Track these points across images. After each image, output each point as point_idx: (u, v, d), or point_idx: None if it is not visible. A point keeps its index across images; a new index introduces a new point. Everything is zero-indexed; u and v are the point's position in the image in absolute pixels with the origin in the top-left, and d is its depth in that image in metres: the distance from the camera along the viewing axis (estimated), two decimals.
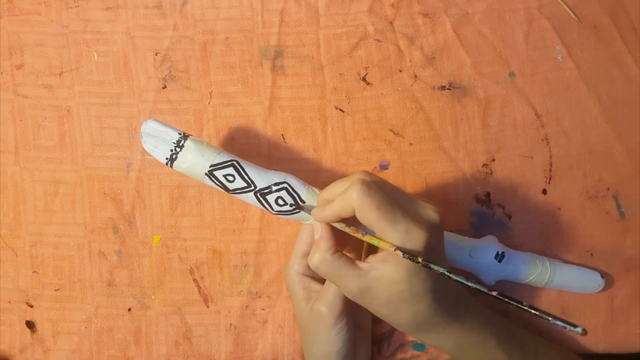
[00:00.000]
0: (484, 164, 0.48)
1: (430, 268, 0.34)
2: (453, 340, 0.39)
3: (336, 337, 0.41)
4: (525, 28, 0.48)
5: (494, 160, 0.48)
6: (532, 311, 0.32)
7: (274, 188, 0.41)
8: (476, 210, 0.48)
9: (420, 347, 0.47)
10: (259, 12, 0.48)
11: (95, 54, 0.48)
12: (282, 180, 0.41)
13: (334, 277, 0.37)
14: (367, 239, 0.37)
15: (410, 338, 0.47)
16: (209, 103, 0.48)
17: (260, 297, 0.48)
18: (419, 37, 0.48)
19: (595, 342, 0.47)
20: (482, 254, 0.44)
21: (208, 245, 0.48)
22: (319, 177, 0.48)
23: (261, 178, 0.41)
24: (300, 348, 0.47)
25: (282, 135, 0.48)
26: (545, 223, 0.47)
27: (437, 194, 0.48)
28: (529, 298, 0.47)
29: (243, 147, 0.48)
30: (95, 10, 0.48)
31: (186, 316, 0.48)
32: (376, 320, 0.46)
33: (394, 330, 0.47)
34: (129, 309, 0.48)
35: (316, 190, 0.42)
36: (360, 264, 0.36)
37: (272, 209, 0.41)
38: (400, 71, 0.48)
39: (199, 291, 0.48)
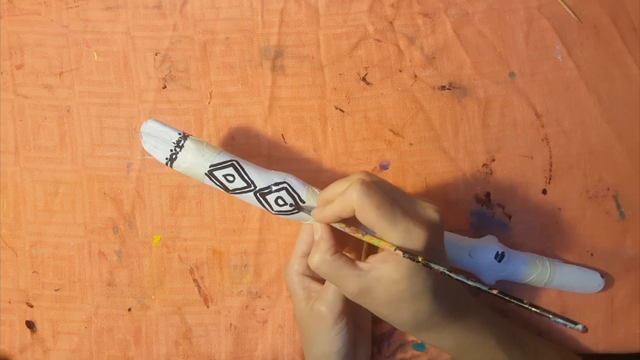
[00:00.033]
0: (484, 164, 0.48)
1: (430, 267, 0.34)
2: (453, 340, 0.39)
3: (336, 337, 0.41)
4: (525, 28, 0.48)
5: (494, 160, 0.48)
6: (533, 309, 0.32)
7: (274, 188, 0.41)
8: (476, 210, 0.48)
9: (420, 347, 0.47)
10: (259, 12, 0.48)
11: (95, 54, 0.48)
12: (282, 180, 0.41)
13: (334, 278, 0.37)
14: (367, 239, 0.37)
15: (411, 338, 0.47)
16: (209, 103, 0.48)
17: (260, 297, 0.48)
18: (419, 37, 0.48)
19: (595, 342, 0.47)
20: (482, 254, 0.44)
21: (208, 245, 0.48)
22: (319, 177, 0.48)
23: (261, 178, 0.41)
24: (300, 348, 0.47)
25: (282, 135, 0.48)
26: (545, 223, 0.47)
27: (437, 194, 0.48)
28: (529, 298, 0.47)
29: (243, 147, 0.48)
30: (95, 10, 0.48)
31: (186, 316, 0.48)
32: (376, 320, 0.46)
33: (394, 330, 0.47)
34: (129, 309, 0.48)
35: (316, 190, 0.42)
36: (360, 264, 0.36)
37: (272, 209, 0.41)
38: (400, 71, 0.48)
39: (199, 291, 0.48)
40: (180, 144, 0.41)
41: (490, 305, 0.45)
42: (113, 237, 0.48)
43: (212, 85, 0.48)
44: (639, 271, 0.47)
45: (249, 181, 0.41)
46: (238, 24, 0.48)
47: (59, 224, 0.48)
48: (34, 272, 0.48)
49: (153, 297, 0.48)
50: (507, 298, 0.32)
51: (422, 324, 0.38)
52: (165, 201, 0.48)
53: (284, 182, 0.41)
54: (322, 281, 0.42)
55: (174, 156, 0.41)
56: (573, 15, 0.48)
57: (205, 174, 0.41)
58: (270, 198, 0.41)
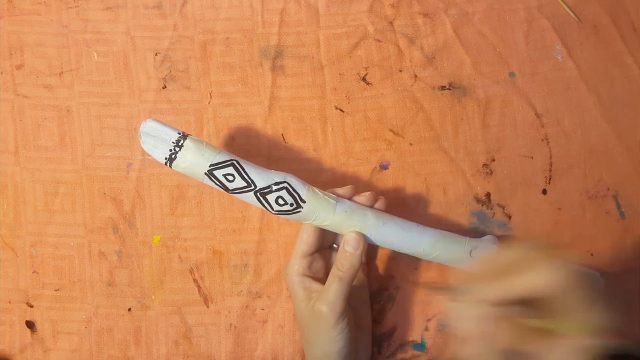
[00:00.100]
0: (484, 164, 0.48)
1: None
2: None
3: (337, 337, 0.41)
4: (525, 28, 0.48)
5: (494, 160, 0.48)
6: None
7: (274, 188, 0.41)
8: (476, 210, 0.48)
9: (420, 347, 0.47)
10: (259, 12, 0.48)
11: (95, 54, 0.48)
12: (282, 180, 0.41)
13: None
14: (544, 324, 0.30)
15: (411, 338, 0.47)
16: (209, 103, 0.48)
17: (260, 297, 0.48)
18: (419, 37, 0.48)
19: None
20: (482, 253, 0.44)
21: (208, 245, 0.48)
22: (319, 177, 0.48)
23: (261, 178, 0.41)
24: (301, 348, 0.47)
25: (282, 135, 0.48)
26: (545, 223, 0.47)
27: (437, 194, 0.48)
28: None
29: (243, 147, 0.48)
30: (95, 10, 0.48)
31: (186, 316, 0.48)
32: (376, 320, 0.46)
33: (394, 330, 0.47)
34: (129, 309, 0.48)
35: (316, 190, 0.42)
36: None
37: (272, 209, 0.41)
38: (400, 71, 0.48)
39: (199, 291, 0.48)
40: (180, 144, 0.41)
41: None
42: (113, 237, 0.48)
43: (212, 85, 0.48)
44: (639, 271, 0.47)
45: (249, 181, 0.41)
46: (238, 24, 0.48)
47: (59, 224, 0.48)
48: (34, 272, 0.48)
49: (153, 297, 0.48)
50: None
51: None
52: (165, 201, 0.48)
53: (285, 182, 0.41)
54: (322, 281, 0.42)
55: (173, 156, 0.41)
56: (573, 15, 0.48)
57: (205, 173, 0.41)
58: (271, 198, 0.41)
